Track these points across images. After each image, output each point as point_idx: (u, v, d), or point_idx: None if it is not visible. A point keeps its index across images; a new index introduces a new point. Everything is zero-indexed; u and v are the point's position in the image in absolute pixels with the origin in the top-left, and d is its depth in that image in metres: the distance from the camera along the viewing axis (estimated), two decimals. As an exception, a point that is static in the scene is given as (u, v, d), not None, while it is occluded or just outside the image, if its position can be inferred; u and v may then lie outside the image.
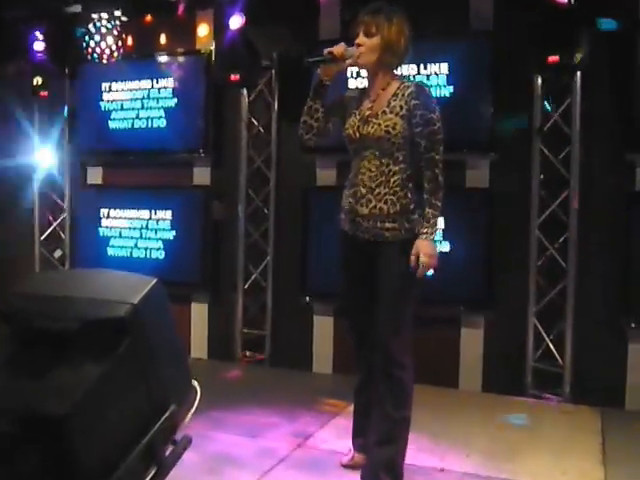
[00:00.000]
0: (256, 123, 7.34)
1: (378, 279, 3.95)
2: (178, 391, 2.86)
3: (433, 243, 3.85)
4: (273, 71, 7.20)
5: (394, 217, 3.88)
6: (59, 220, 8.46)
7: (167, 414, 2.74)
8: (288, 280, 7.23)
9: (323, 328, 7.10)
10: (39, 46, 7.64)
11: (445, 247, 6.37)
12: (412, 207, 3.89)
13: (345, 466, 4.39)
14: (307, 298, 7.11)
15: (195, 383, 2.97)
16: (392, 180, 3.88)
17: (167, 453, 2.80)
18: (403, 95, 3.88)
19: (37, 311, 2.66)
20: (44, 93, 7.85)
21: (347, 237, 4.08)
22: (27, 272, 8.24)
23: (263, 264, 7.35)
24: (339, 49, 3.88)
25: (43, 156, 8.33)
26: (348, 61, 3.94)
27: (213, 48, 7.23)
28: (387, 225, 3.89)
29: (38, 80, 7.77)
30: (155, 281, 2.71)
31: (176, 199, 7.63)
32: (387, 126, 3.85)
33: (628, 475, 4.53)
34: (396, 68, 4.04)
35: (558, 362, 6.14)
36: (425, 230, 3.81)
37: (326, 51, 3.91)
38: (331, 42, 6.64)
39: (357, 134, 3.95)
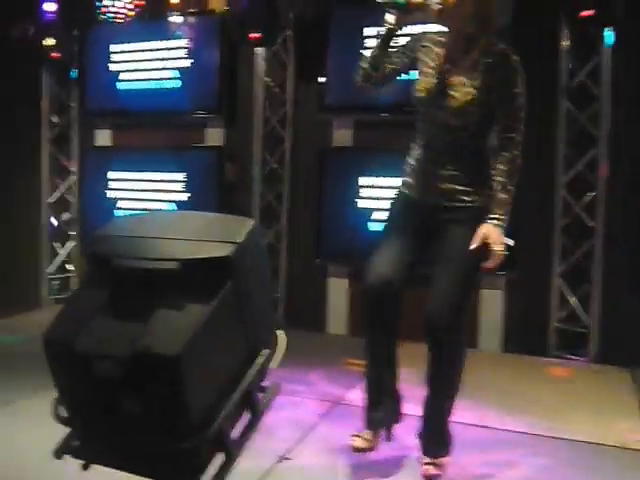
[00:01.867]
0: (271, 83, 7.16)
1: (446, 247, 3.61)
2: (268, 336, 2.76)
3: (502, 231, 3.48)
4: (289, 32, 7.04)
5: (476, 180, 3.56)
6: (67, 183, 8.26)
7: (260, 359, 2.64)
8: (303, 242, 7.13)
9: (338, 290, 6.99)
10: (50, 6, 7.43)
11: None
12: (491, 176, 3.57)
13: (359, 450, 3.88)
14: (318, 259, 7.01)
15: (279, 331, 2.86)
16: (469, 150, 3.57)
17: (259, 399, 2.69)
18: (487, 64, 3.49)
19: (135, 253, 2.54)
20: (55, 54, 7.64)
21: (410, 201, 3.74)
22: (35, 236, 8.11)
23: (277, 226, 7.20)
24: None
25: (51, 118, 8.13)
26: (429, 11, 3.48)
27: (227, 8, 7.09)
28: (468, 188, 3.56)
29: (49, 41, 7.55)
30: (254, 222, 2.59)
31: (189, 160, 7.47)
32: (466, 101, 3.48)
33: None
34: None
35: (583, 323, 6.07)
36: (497, 215, 3.47)
37: None
38: (348, 3, 6.76)
39: (431, 100, 3.57)
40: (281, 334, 2.85)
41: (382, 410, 3.91)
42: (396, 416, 3.95)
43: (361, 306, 3.90)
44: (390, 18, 3.56)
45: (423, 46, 3.69)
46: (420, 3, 3.44)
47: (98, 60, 7.80)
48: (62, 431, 2.66)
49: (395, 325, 3.81)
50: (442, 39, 3.65)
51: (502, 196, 3.48)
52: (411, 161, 3.75)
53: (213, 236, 2.51)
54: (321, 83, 6.84)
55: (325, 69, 6.80)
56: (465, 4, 3.44)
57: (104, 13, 7.33)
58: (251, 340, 2.62)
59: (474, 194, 3.58)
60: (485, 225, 3.47)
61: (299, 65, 7.10)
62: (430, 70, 3.62)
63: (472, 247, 3.46)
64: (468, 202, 3.58)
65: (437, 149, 3.61)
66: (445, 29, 3.64)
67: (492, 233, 3.45)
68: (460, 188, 3.58)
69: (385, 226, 3.94)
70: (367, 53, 3.71)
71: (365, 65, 3.70)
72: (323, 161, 6.96)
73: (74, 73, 8.01)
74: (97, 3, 7.24)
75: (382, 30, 3.63)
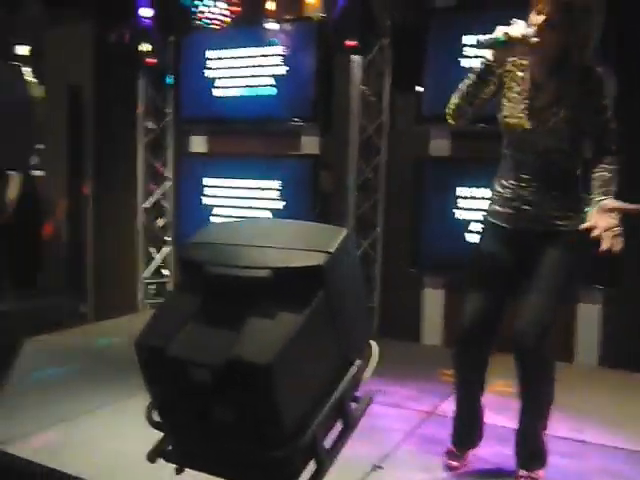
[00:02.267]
0: (367, 92, 7.21)
1: (537, 267, 3.64)
2: (361, 346, 2.81)
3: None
4: (386, 39, 7.06)
5: (568, 204, 3.61)
6: (162, 189, 8.44)
7: (353, 369, 2.69)
8: (398, 252, 7.15)
9: (433, 301, 7.02)
10: (146, 12, 7.61)
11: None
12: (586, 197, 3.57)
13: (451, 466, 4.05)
14: (414, 269, 7.05)
15: (371, 341, 2.91)
16: (560, 172, 3.61)
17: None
18: (573, 80, 3.50)
19: (227, 260, 2.61)
20: (150, 60, 7.82)
21: (499, 230, 3.77)
22: (131, 240, 8.31)
23: (372, 235, 7.25)
24: (518, 30, 3.40)
25: (147, 124, 8.33)
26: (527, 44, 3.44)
27: (323, 15, 7.18)
28: (560, 214, 3.60)
29: (145, 47, 7.73)
30: (347, 231, 2.64)
31: (284, 168, 7.58)
32: (556, 122, 3.51)
33: None
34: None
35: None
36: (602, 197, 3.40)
37: (501, 32, 3.42)
38: (446, 11, 6.78)
39: (521, 128, 3.60)
40: (374, 344, 2.90)
41: (470, 430, 4.03)
42: (481, 434, 4.06)
43: (454, 344, 3.97)
44: (488, 54, 3.55)
45: (507, 71, 3.69)
46: (519, 38, 3.39)
47: (193, 66, 7.97)
48: (157, 434, 2.75)
49: (486, 358, 3.91)
50: (524, 62, 3.65)
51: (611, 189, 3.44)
52: (499, 188, 3.78)
53: (305, 245, 2.56)
54: (418, 92, 6.85)
55: (422, 78, 6.81)
56: (559, 33, 3.43)
57: (200, 19, 7.48)
58: (344, 350, 2.65)
59: (566, 218, 3.60)
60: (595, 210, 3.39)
61: (396, 73, 7.10)
62: (516, 95, 3.65)
63: (585, 226, 3.37)
64: (561, 226, 3.61)
65: (528, 174, 3.63)
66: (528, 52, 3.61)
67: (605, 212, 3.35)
68: (552, 213, 3.62)
69: (476, 260, 3.95)
70: (460, 88, 3.69)
71: (460, 101, 3.68)
72: (420, 171, 6.99)
73: (170, 79, 8.15)
74: (193, 9, 7.38)
75: (478, 66, 3.62)
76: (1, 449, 4.16)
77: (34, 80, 8.65)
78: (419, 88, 6.87)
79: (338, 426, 2.70)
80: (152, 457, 2.75)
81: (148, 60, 7.83)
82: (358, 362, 2.71)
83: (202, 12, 7.52)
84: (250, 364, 2.32)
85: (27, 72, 8.48)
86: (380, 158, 7.22)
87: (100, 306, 8.66)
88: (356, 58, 7.12)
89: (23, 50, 8.59)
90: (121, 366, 4.69)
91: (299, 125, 7.48)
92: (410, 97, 6.93)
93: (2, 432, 4.40)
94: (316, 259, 2.49)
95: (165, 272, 8.50)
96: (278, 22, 7.47)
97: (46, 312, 7.65)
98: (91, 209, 8.74)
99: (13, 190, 7.58)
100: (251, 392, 2.36)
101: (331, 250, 2.51)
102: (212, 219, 7.83)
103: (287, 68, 7.44)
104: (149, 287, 8.43)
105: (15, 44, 8.56)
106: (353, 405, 2.75)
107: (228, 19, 7.53)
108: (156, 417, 2.70)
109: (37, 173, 9.05)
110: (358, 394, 2.81)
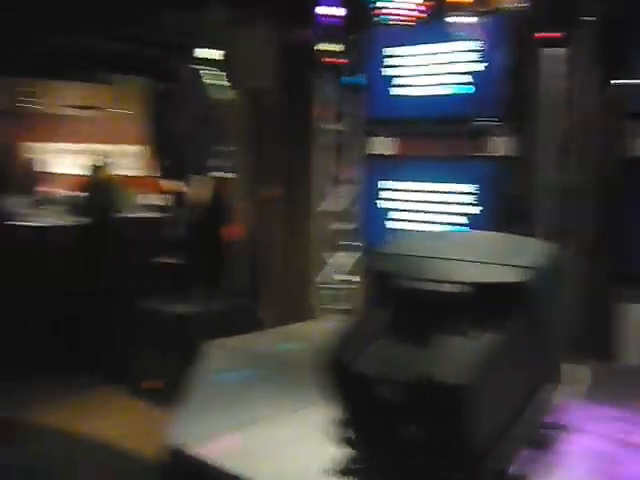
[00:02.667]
0: (565, 87, 6.83)
1: None
2: (556, 368, 2.58)
3: None
4: (587, 30, 6.67)
5: None
6: (342, 192, 8.39)
7: (546, 393, 2.49)
8: (597, 263, 6.80)
9: (635, 317, 6.58)
10: (329, 11, 7.51)
11: None
12: None
13: None
14: (614, 282, 6.68)
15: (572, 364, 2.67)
16: None
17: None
18: None
19: (419, 274, 2.46)
20: (332, 60, 7.80)
21: None
22: (307, 244, 8.24)
23: (569, 245, 6.84)
24: None
25: (325, 125, 8.28)
26: None
27: (518, 6, 6.91)
28: None
29: (325, 46, 7.65)
30: (556, 246, 2.42)
31: (472, 171, 7.36)
32: None
33: None
34: None
35: None
36: None
37: None
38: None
39: None
40: (578, 368, 2.67)
41: None
42: None
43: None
44: None
45: None
46: None
47: (377, 65, 7.87)
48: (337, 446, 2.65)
49: None
50: None
51: None
52: None
53: (505, 259, 2.43)
54: (623, 86, 6.41)
55: (629, 71, 6.39)
56: None
57: (378, 15, 7.33)
58: (539, 372, 2.49)
59: None
60: None
61: (597, 67, 6.73)
62: None
63: None
64: None
65: None
66: None
67: None
68: None
69: None
70: None
71: None
72: (624, 173, 6.62)
73: (351, 79, 8.04)
74: (371, 5, 7.27)
75: None
76: (182, 450, 4.20)
77: (223, 83, 8.79)
78: (625, 81, 6.41)
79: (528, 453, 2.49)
80: (337, 473, 2.67)
81: (329, 60, 7.83)
82: (551, 386, 2.52)
83: (382, 8, 7.35)
84: (444, 385, 2.28)
85: (217, 75, 8.62)
86: (578, 159, 6.83)
87: (280, 310, 8.68)
88: (553, 51, 6.75)
89: (211, 53, 8.72)
90: (301, 373, 4.67)
91: (490, 125, 7.22)
92: (613, 92, 6.50)
93: (183, 434, 4.45)
94: (518, 275, 2.31)
95: (339, 277, 8.35)
96: (467, 14, 7.19)
97: (227, 314, 7.82)
98: (273, 212, 8.74)
99: (196, 192, 7.69)
100: (444, 412, 2.32)
101: (535, 266, 2.32)
102: (396, 224, 7.68)
103: (478, 64, 7.23)
104: (327, 292, 8.32)
105: (198, 47, 8.71)
106: (544, 431, 2.56)
107: (411, 14, 7.31)
108: (345, 432, 2.69)
109: (222, 175, 9.17)
110: (551, 420, 2.61)
